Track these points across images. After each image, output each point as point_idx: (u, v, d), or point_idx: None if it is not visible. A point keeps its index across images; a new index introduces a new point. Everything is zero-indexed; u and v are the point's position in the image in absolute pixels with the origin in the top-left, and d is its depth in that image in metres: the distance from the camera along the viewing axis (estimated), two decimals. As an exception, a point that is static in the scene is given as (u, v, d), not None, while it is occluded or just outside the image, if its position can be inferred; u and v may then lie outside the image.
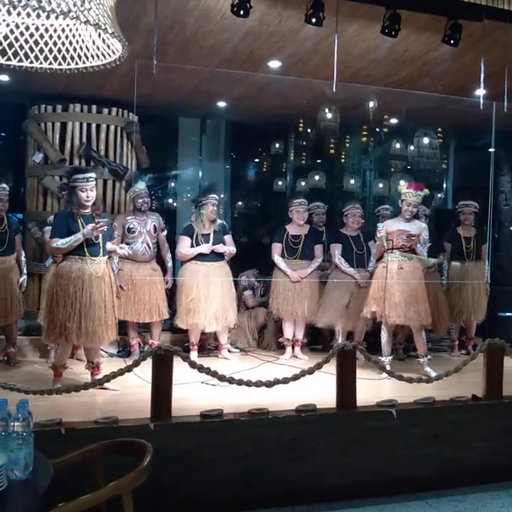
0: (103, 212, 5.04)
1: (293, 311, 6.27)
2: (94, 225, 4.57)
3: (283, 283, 6.28)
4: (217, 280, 5.96)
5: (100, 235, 4.68)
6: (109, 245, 4.84)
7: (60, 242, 4.61)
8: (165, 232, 6.27)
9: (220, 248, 6.02)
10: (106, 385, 4.47)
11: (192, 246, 6.01)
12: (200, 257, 5.99)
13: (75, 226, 4.64)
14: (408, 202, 5.52)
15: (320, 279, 6.44)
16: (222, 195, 9.41)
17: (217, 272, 6.00)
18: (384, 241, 5.50)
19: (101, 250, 4.71)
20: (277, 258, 6.34)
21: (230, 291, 6.13)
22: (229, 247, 6.12)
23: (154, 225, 6.05)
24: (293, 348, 6.41)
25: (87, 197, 4.67)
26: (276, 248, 6.38)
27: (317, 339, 6.98)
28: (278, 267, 6.35)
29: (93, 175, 4.77)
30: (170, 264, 6.25)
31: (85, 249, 4.63)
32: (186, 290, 5.96)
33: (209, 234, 6.05)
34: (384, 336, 5.64)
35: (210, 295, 5.92)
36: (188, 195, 9.33)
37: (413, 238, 5.45)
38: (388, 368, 5.28)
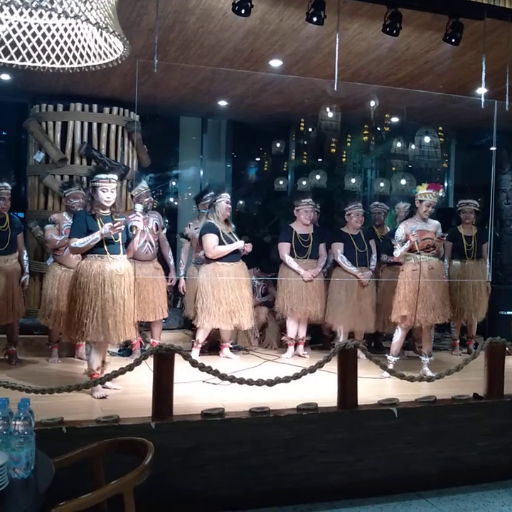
0: (122, 213, 5.05)
1: (306, 310, 6.26)
2: (111, 224, 4.57)
3: (295, 282, 6.25)
4: (244, 279, 5.97)
5: (119, 235, 4.68)
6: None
7: (78, 242, 4.60)
8: (165, 231, 6.27)
9: (249, 247, 6.01)
10: (107, 384, 4.48)
11: (221, 244, 5.94)
12: (225, 257, 5.92)
13: (94, 226, 4.63)
14: (428, 203, 5.52)
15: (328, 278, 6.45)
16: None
17: (242, 271, 6.01)
18: (417, 245, 5.45)
19: (121, 249, 4.70)
20: (288, 258, 6.29)
21: (251, 288, 6.21)
22: None
23: (156, 224, 6.05)
24: (296, 346, 6.41)
25: (108, 198, 4.65)
26: (285, 247, 6.33)
27: (318, 338, 6.98)
28: (289, 267, 6.29)
29: (115, 176, 4.74)
30: (172, 262, 6.26)
31: (105, 248, 4.61)
32: (219, 292, 5.84)
33: (230, 233, 6.04)
34: (396, 336, 5.62)
35: (244, 295, 5.93)
36: (189, 194, 9.33)
37: (444, 238, 5.48)
38: (390, 367, 5.29)
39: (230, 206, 6.06)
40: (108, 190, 4.65)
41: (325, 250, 6.44)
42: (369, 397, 4.36)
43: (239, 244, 5.96)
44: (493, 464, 4.41)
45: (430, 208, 5.55)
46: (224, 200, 6.03)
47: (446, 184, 9.90)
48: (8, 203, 5.55)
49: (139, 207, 4.83)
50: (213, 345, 6.49)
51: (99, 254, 4.62)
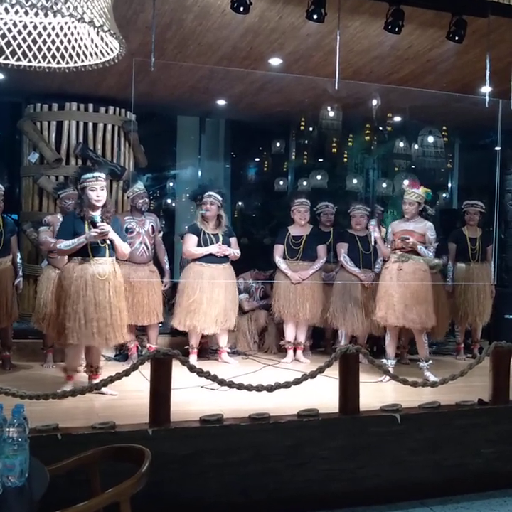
0: (115, 214, 5.05)
1: (295, 313, 6.27)
2: (97, 230, 4.58)
3: (284, 284, 6.29)
4: (221, 282, 5.96)
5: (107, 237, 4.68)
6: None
7: (63, 244, 4.64)
8: (161, 234, 6.27)
9: (227, 250, 6.01)
10: (103, 389, 4.48)
11: (200, 245, 6.01)
12: (205, 258, 5.98)
13: (81, 228, 4.66)
14: (404, 200, 5.59)
15: (326, 280, 6.44)
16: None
17: (221, 274, 6.00)
18: (381, 240, 5.64)
19: (107, 251, 4.71)
20: (278, 259, 6.35)
21: (233, 293, 6.15)
22: (234, 250, 6.12)
23: (152, 226, 6.06)
24: (295, 351, 6.42)
25: (98, 196, 4.67)
26: (278, 250, 6.40)
27: (320, 342, 6.99)
28: (279, 269, 6.36)
29: (102, 174, 4.77)
30: (167, 266, 6.26)
31: (89, 251, 4.64)
32: (188, 291, 5.95)
33: (216, 234, 6.06)
34: (387, 338, 5.67)
35: (214, 297, 5.92)
36: (187, 195, 9.34)
37: (407, 241, 5.46)
38: (391, 371, 5.29)
39: (211, 207, 6.03)
40: (97, 188, 4.66)
41: (325, 252, 6.44)
42: (371, 402, 4.36)
43: (212, 248, 5.98)
44: (498, 471, 4.40)
45: (406, 206, 5.57)
46: (205, 201, 6.04)
47: (450, 185, 9.91)
48: (1, 204, 5.54)
49: (96, 216, 4.64)
50: (213, 350, 6.50)
51: (83, 256, 4.65)
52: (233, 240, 6.19)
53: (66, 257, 4.82)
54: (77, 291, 4.57)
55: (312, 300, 6.29)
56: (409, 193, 5.57)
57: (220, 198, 6.10)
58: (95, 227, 4.62)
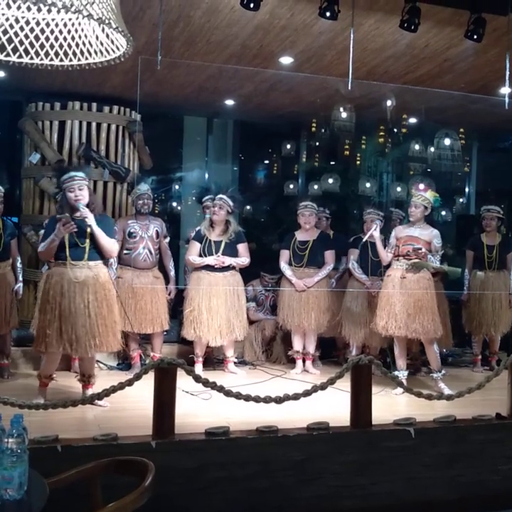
0: (103, 212, 5.06)
1: (300, 323, 6.25)
2: (60, 223, 4.53)
3: (288, 292, 6.28)
4: (220, 291, 5.92)
5: (87, 240, 4.65)
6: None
7: (41, 246, 4.69)
8: (167, 239, 6.26)
9: (226, 260, 5.96)
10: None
11: (201, 253, 6.01)
12: (205, 265, 5.99)
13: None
14: (411, 203, 5.59)
15: (329, 287, 6.41)
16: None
17: (222, 282, 5.96)
18: (381, 243, 5.67)
19: (86, 254, 4.66)
20: (283, 265, 6.34)
21: (237, 302, 6.05)
22: (237, 259, 6.05)
23: (157, 231, 6.05)
24: (304, 361, 6.40)
25: (76, 196, 4.64)
26: (284, 255, 6.39)
27: (331, 352, 6.96)
28: (284, 275, 6.35)
29: (80, 173, 4.73)
30: (172, 272, 6.25)
31: (67, 253, 4.62)
32: (189, 300, 6.00)
33: (219, 242, 6.04)
34: (396, 350, 5.65)
35: (213, 307, 5.89)
36: (193, 198, 9.35)
37: (420, 252, 5.44)
38: (404, 383, 5.27)
39: (219, 210, 6.01)
40: (75, 189, 4.65)
41: (332, 258, 6.41)
42: (384, 416, 4.34)
43: (208, 260, 5.97)
44: (516, 490, 4.38)
45: (413, 208, 5.55)
46: (217, 203, 6.02)
47: (467, 189, 9.89)
48: (1, 206, 5.58)
49: (81, 204, 4.66)
50: (218, 359, 6.49)
51: (61, 260, 4.66)
52: (242, 246, 6.13)
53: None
54: (55, 296, 4.58)
55: (317, 309, 6.26)
56: (417, 196, 5.58)
57: (231, 203, 6.06)
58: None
